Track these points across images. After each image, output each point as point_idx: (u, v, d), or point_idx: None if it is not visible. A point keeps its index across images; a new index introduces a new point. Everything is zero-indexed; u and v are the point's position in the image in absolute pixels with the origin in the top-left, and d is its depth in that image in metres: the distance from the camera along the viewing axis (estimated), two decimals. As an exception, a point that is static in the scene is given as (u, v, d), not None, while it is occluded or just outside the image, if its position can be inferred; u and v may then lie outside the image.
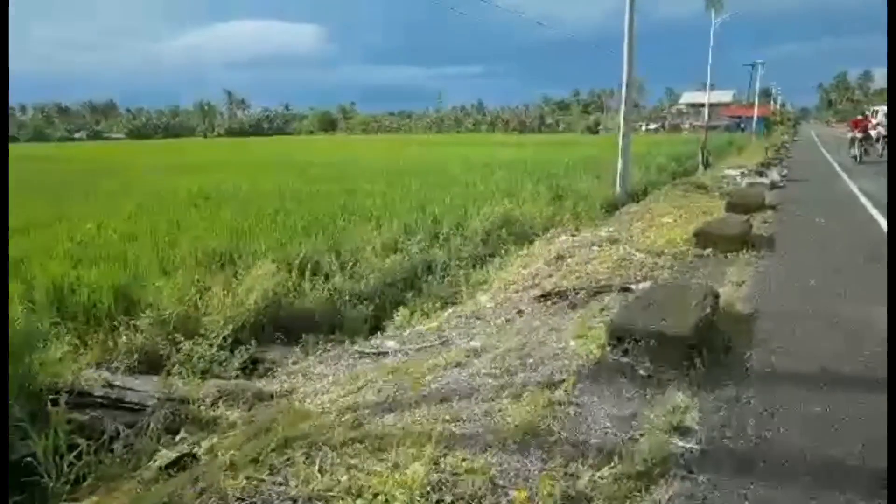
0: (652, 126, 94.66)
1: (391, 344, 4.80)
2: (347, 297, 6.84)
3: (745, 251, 7.05)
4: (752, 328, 4.60)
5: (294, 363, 4.99)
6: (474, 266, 8.52)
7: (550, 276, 6.26)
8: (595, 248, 7.01)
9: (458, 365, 3.92)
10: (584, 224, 11.47)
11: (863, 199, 12.56)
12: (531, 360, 3.87)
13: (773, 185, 14.90)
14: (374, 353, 4.66)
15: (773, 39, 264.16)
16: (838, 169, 20.53)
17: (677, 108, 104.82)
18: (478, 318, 5.29)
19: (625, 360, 3.65)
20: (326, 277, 7.12)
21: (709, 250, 7.02)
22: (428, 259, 8.43)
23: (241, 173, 19.79)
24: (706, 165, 22.78)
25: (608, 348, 3.79)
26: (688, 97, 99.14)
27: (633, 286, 5.33)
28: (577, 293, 5.18)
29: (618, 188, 15.79)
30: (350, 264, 7.43)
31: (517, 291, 5.95)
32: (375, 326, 6.55)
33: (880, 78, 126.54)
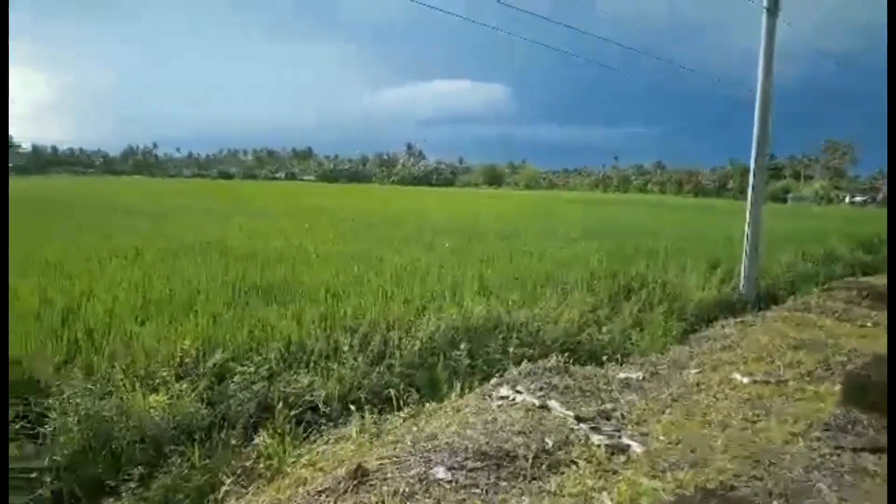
0: (858, 198, 78.38)
1: None
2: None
3: None
4: None
5: None
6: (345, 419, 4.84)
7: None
8: (445, 471, 2.94)
9: None
10: (639, 347, 7.04)
11: None
12: None
13: None
14: None
15: None
16: None
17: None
18: None
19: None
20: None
21: None
22: (270, 395, 4.95)
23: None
24: (911, 258, 15.76)
25: None
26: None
27: None
28: None
29: (741, 284, 10.69)
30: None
31: None
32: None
33: None
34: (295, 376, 5.23)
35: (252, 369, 5.04)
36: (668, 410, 4.21)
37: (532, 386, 4.73)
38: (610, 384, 4.98)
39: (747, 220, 10.81)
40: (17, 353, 4.78)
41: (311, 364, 5.44)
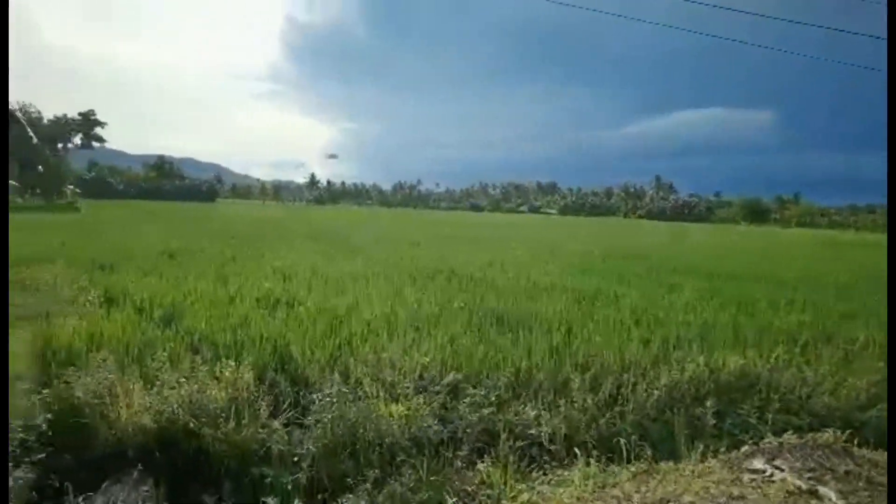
0: None
1: None
2: None
3: None
4: None
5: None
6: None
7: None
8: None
9: None
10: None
11: None
12: None
13: None
14: None
15: None
16: None
17: None
18: None
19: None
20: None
21: None
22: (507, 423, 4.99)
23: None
24: None
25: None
26: None
27: None
28: None
29: None
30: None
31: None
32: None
33: None
34: (522, 407, 5.19)
35: (483, 393, 5.15)
36: None
37: (798, 464, 3.89)
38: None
39: None
40: (295, 353, 5.70)
41: (539, 398, 5.35)
